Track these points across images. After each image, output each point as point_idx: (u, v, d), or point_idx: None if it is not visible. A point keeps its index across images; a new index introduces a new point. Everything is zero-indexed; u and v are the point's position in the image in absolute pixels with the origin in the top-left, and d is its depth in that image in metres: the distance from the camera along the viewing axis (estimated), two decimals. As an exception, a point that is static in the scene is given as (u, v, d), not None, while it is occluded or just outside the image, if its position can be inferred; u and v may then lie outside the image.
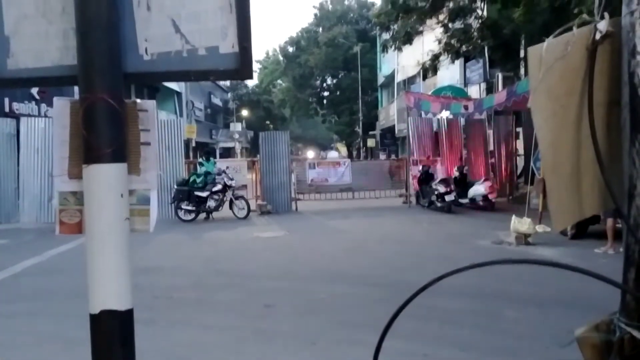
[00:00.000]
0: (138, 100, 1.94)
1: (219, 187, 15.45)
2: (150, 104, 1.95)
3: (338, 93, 51.33)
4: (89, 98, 1.72)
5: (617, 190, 1.29)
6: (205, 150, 19.86)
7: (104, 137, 1.73)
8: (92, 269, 1.75)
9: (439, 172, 17.66)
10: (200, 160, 16.86)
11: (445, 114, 18.15)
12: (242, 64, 1.83)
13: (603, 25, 1.27)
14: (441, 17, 19.15)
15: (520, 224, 10.24)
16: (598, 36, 1.27)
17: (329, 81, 53.32)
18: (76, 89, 1.80)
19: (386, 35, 21.78)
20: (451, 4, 18.36)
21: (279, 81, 62.86)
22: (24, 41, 1.87)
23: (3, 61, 1.88)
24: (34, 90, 20.81)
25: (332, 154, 55.31)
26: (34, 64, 1.87)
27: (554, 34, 1.28)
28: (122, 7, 1.81)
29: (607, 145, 1.33)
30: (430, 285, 1.62)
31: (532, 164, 12.91)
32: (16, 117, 17.58)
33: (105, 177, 1.74)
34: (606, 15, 1.29)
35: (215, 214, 15.79)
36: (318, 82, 53.10)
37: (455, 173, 17.18)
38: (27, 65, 1.88)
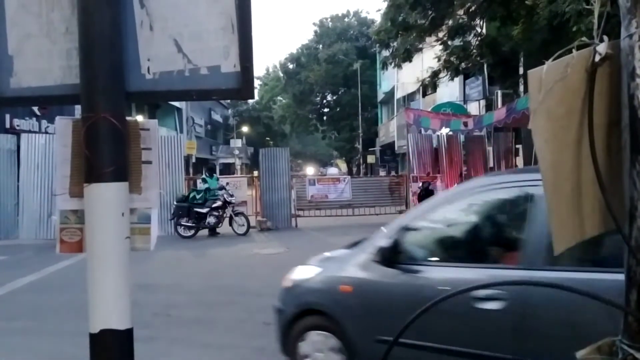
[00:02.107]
0: (140, 119, 1.96)
1: (218, 203, 15.44)
2: (152, 123, 1.96)
3: (338, 109, 51.46)
4: (91, 117, 1.73)
5: (618, 211, 1.29)
6: (208, 167, 19.86)
7: (105, 155, 1.74)
8: (93, 288, 1.74)
9: (439, 188, 17.65)
10: (203, 176, 16.87)
11: (445, 131, 18.21)
12: (243, 84, 1.84)
13: (602, 48, 1.28)
14: (440, 34, 19.25)
15: (521, 241, 10.20)
16: (597, 58, 1.28)
17: (329, 98, 53.49)
18: (77, 106, 1.82)
19: (386, 53, 21.87)
20: (450, 22, 18.47)
21: (279, 97, 63.12)
22: (27, 60, 1.88)
23: (6, 80, 1.89)
24: (35, 107, 20.88)
25: (332, 170, 55.38)
26: (36, 83, 1.89)
27: (553, 56, 1.30)
28: (125, 27, 1.82)
29: (608, 166, 1.33)
30: (437, 303, 1.61)
31: (532, 180, 12.90)
32: (17, 133, 17.62)
33: (106, 195, 1.74)
34: (605, 37, 1.30)
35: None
36: (318, 99, 53.26)
37: (455, 190, 17.17)
38: (29, 84, 1.89)
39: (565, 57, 1.29)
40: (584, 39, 1.33)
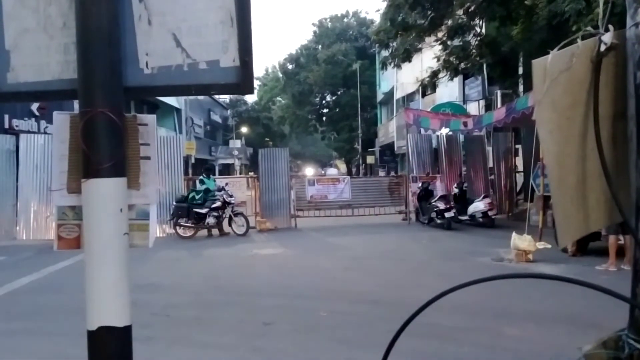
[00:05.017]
0: (138, 115, 1.93)
1: (218, 203, 15.40)
2: (150, 118, 1.94)
3: (337, 110, 51.44)
4: (88, 112, 1.71)
5: (624, 204, 1.27)
6: (206, 167, 19.81)
7: (103, 151, 1.72)
8: (91, 285, 1.72)
9: (439, 188, 17.62)
10: (201, 177, 16.84)
11: (444, 131, 18.18)
12: (243, 78, 1.82)
13: (608, 38, 1.26)
14: (440, 34, 19.26)
15: (521, 240, 10.19)
16: (603, 48, 1.26)
17: (328, 98, 53.48)
18: (76, 105, 1.79)
19: (385, 53, 21.86)
20: (450, 22, 18.47)
21: (279, 98, 63.10)
22: (24, 55, 1.86)
23: (3, 75, 1.87)
24: (34, 107, 20.86)
25: (331, 171, 55.34)
26: (34, 78, 1.87)
27: (558, 46, 1.27)
28: (123, 21, 1.81)
29: (613, 158, 1.31)
30: (434, 301, 1.60)
31: (531, 180, 12.90)
32: (16, 133, 17.59)
33: (104, 191, 1.72)
34: (611, 27, 1.28)
35: (213, 231, 15.74)
36: (317, 99, 53.25)
37: (455, 190, 17.17)
38: (27, 79, 1.87)
39: (570, 46, 1.27)
40: (588, 28, 1.31)
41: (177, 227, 15.19)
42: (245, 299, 7.81)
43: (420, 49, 20.93)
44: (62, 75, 1.84)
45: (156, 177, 1.95)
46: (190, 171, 33.99)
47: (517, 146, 18.93)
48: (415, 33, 19.06)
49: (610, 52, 1.25)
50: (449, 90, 26.22)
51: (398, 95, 39.32)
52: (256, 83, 64.77)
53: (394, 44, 20.03)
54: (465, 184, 17.69)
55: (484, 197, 16.30)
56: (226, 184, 16.99)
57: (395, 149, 38.55)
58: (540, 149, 11.40)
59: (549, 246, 10.70)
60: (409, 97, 36.85)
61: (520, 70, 17.76)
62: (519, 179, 18.81)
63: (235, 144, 58.08)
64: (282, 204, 17.30)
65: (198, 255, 12.43)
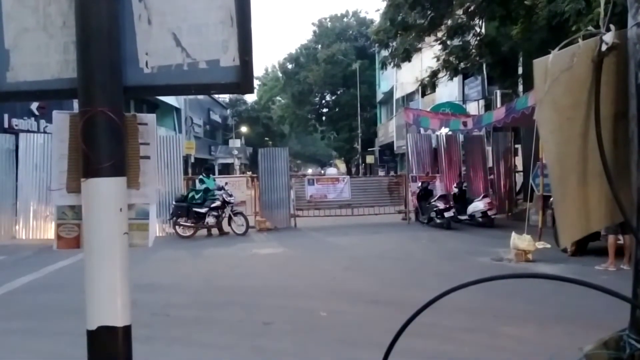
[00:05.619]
0: (138, 114, 1.93)
1: (217, 203, 15.40)
2: (150, 117, 1.93)
3: (337, 110, 51.42)
4: (88, 111, 1.71)
5: (625, 204, 1.27)
6: (206, 167, 19.81)
7: (103, 150, 1.72)
8: (90, 284, 1.72)
9: (438, 188, 17.64)
10: (200, 176, 16.84)
11: (444, 131, 18.18)
12: (243, 78, 1.82)
13: (609, 37, 1.26)
14: (440, 34, 19.25)
15: (520, 240, 10.19)
16: (604, 48, 1.25)
17: (328, 98, 53.46)
18: (76, 104, 1.79)
19: (385, 52, 21.84)
20: (450, 22, 18.46)
21: (278, 98, 63.10)
22: (24, 54, 1.86)
23: (2, 74, 1.87)
24: (34, 106, 20.85)
25: (331, 171, 55.33)
26: (33, 77, 1.86)
27: (559, 45, 1.27)
28: (123, 21, 1.80)
29: (614, 158, 1.31)
30: (434, 302, 1.59)
31: (531, 180, 12.91)
32: (15, 132, 17.57)
33: (104, 191, 1.72)
34: (612, 27, 1.28)
35: (213, 230, 15.74)
36: (317, 99, 53.23)
37: (455, 189, 17.17)
38: (26, 78, 1.87)
39: (571, 46, 1.27)
40: (590, 28, 1.30)
41: (177, 227, 15.19)
42: (245, 299, 7.81)
43: (420, 49, 20.92)
44: (62, 75, 1.84)
45: (156, 177, 1.94)
46: (189, 171, 34.00)
47: (516, 146, 18.94)
48: (415, 33, 19.05)
49: (612, 52, 1.25)
50: (448, 90, 26.22)
51: (398, 95, 39.32)
52: (256, 83, 64.78)
53: (394, 43, 20.02)
54: (465, 184, 17.70)
55: (484, 197, 16.31)
56: (226, 183, 17.00)
57: (395, 148, 38.56)
58: (539, 148, 11.41)
59: (549, 246, 10.70)
60: (409, 97, 36.85)
61: (520, 70, 17.76)
62: (519, 178, 18.82)
63: (235, 143, 58.07)
64: (282, 203, 17.31)
65: (197, 255, 12.42)
